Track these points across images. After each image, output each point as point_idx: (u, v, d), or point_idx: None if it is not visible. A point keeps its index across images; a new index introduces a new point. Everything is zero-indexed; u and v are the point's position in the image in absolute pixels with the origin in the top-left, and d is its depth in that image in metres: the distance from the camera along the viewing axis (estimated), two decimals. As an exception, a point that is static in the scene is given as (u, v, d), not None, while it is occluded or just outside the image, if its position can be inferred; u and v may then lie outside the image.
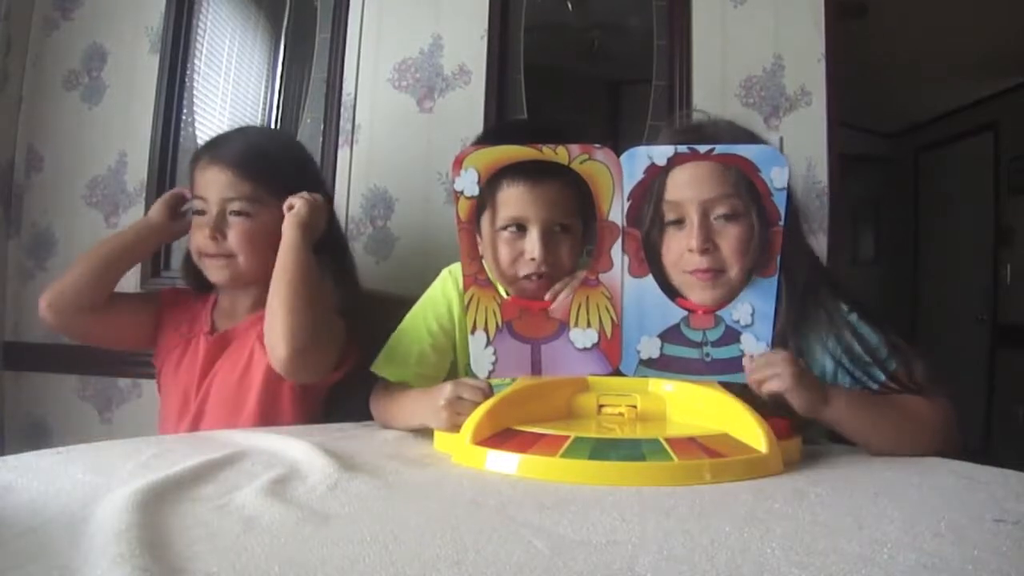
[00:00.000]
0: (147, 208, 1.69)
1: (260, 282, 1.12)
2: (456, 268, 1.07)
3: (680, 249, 0.92)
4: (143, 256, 1.27)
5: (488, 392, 0.83)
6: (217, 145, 1.17)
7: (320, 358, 1.05)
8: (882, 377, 0.88)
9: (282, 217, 1.11)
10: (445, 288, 1.10)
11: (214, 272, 1.14)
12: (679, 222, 0.93)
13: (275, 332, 1.01)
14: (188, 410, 1.13)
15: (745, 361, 0.85)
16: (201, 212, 1.12)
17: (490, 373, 0.91)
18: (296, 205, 1.10)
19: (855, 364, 0.90)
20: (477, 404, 0.81)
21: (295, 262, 1.05)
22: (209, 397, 1.13)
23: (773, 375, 0.80)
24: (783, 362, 0.81)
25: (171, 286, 1.31)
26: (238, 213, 1.11)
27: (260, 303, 1.11)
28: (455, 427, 0.80)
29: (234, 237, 1.11)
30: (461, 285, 0.94)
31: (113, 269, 1.15)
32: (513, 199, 0.96)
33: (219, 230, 1.11)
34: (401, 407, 0.95)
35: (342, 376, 1.11)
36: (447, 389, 0.84)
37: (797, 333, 0.90)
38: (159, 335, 1.21)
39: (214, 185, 1.11)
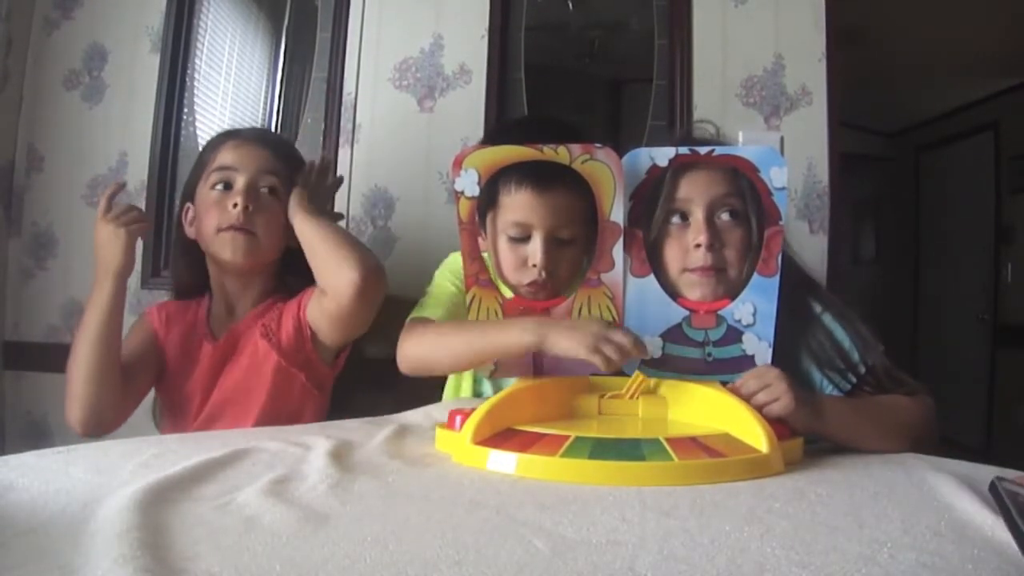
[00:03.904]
0: (147, 209, 1.69)
1: (263, 274, 1.14)
2: (457, 257, 1.07)
3: (684, 246, 0.92)
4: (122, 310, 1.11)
5: (636, 345, 0.82)
6: (249, 130, 1.19)
7: (381, 288, 1.05)
8: (854, 380, 0.90)
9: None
10: (453, 263, 1.10)
11: (233, 248, 1.09)
12: (684, 219, 0.93)
13: (341, 265, 1.01)
14: (197, 416, 1.11)
15: (737, 383, 0.83)
16: (225, 187, 1.10)
17: (492, 373, 0.91)
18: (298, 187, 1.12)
19: (827, 366, 0.91)
20: (624, 349, 0.81)
21: (322, 225, 1.07)
22: (220, 401, 1.11)
23: (773, 400, 0.80)
24: (779, 381, 0.80)
25: (153, 305, 1.22)
26: (270, 190, 1.12)
27: (261, 299, 1.13)
28: (602, 357, 0.80)
29: (261, 215, 1.11)
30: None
31: (110, 359, 1.04)
32: (519, 203, 0.95)
33: (252, 200, 1.09)
34: (484, 327, 0.89)
35: (344, 362, 1.14)
36: (594, 325, 0.83)
37: (781, 333, 0.91)
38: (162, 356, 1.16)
39: (250, 160, 1.11)
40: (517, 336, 0.85)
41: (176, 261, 1.21)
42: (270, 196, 1.12)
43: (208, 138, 1.77)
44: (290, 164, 1.16)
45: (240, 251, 1.09)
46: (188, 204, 1.17)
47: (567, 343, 0.82)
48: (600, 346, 0.80)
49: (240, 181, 1.10)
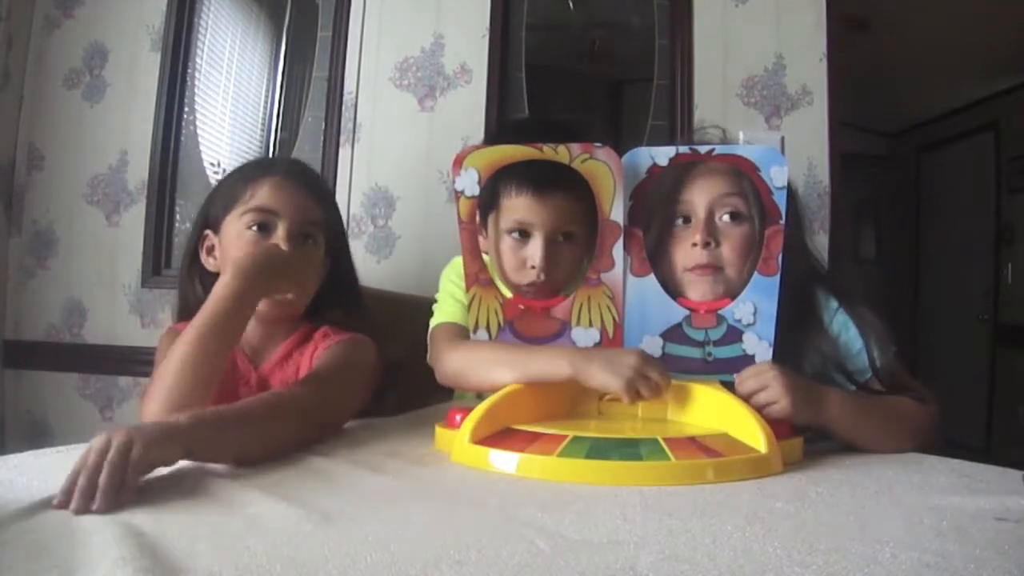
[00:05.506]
0: (148, 207, 1.69)
1: (290, 319, 1.04)
2: (459, 260, 1.06)
3: (686, 246, 0.92)
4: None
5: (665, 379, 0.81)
6: (288, 165, 1.07)
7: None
8: (860, 380, 0.89)
9: (320, 254, 1.04)
10: (456, 268, 1.08)
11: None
12: (687, 220, 0.93)
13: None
14: None
15: (736, 381, 0.83)
16: (260, 228, 0.99)
17: None
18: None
19: (834, 367, 0.90)
20: (658, 389, 0.81)
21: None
22: None
23: (771, 402, 0.79)
24: (776, 382, 0.80)
25: (175, 324, 1.05)
26: (306, 237, 1.02)
27: (284, 336, 1.04)
28: (634, 391, 0.80)
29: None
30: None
31: (219, 362, 0.87)
32: (519, 207, 0.95)
33: (293, 249, 0.99)
34: (521, 354, 0.88)
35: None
36: (632, 358, 0.81)
37: (791, 330, 0.90)
38: None
39: (293, 205, 1.01)
40: (555, 368, 0.84)
41: (189, 286, 1.07)
42: (308, 242, 1.03)
43: (208, 138, 1.79)
44: (327, 206, 1.08)
45: (271, 300, 0.97)
46: (207, 232, 1.05)
47: (603, 377, 0.81)
48: (637, 383, 0.80)
49: (281, 228, 1.00)
